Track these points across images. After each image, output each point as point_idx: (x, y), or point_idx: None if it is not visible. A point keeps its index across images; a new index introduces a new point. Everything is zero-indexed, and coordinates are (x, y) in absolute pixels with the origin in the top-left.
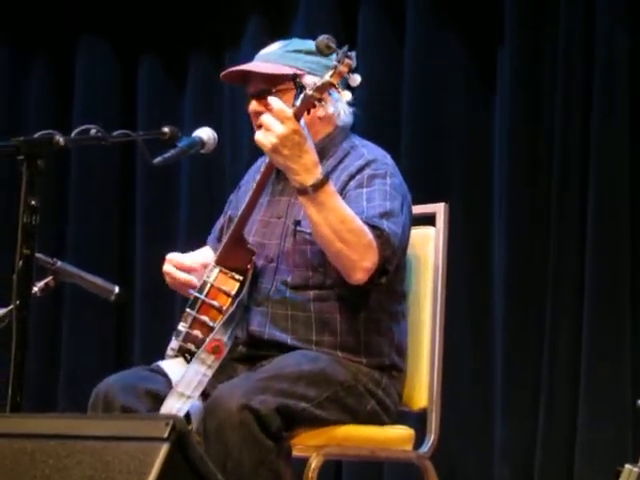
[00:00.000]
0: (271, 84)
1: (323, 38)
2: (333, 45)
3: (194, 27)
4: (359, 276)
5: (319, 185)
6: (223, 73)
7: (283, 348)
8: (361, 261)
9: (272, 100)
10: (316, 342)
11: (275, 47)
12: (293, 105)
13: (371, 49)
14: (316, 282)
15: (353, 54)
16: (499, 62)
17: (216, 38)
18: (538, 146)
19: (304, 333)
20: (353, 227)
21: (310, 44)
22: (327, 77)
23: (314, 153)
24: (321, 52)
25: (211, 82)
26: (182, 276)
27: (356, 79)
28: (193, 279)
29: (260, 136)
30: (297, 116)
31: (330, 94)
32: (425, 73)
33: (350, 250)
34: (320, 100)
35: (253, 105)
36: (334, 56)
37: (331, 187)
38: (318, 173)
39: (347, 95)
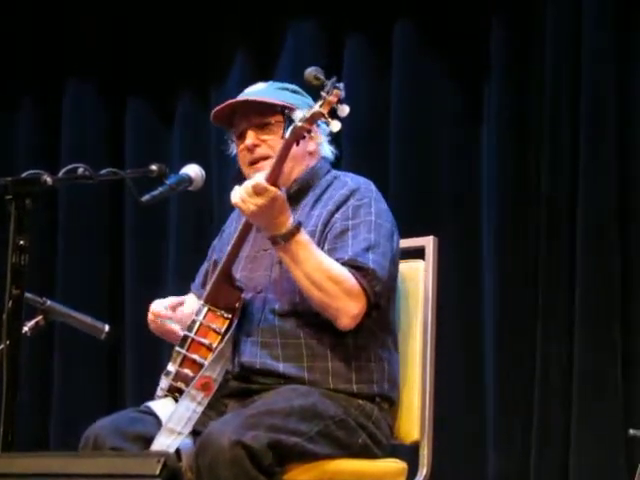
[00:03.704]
0: (267, 115)
1: (311, 70)
2: (322, 76)
3: (180, 66)
4: (345, 323)
5: (289, 235)
6: (217, 109)
7: (275, 377)
8: (345, 308)
9: (254, 178)
10: (308, 368)
11: (261, 86)
12: (282, 137)
13: (357, 82)
14: (305, 308)
15: (342, 85)
16: (486, 93)
17: (202, 76)
18: (527, 177)
19: (295, 360)
20: (331, 275)
21: (293, 86)
22: (316, 107)
23: (288, 210)
24: (310, 83)
25: (198, 120)
26: (167, 326)
27: (345, 109)
28: (175, 327)
29: (239, 202)
30: (287, 147)
31: (318, 125)
32: (412, 105)
33: (330, 299)
34: (309, 131)
35: (250, 138)
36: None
37: (303, 237)
38: (289, 225)
39: (336, 125)
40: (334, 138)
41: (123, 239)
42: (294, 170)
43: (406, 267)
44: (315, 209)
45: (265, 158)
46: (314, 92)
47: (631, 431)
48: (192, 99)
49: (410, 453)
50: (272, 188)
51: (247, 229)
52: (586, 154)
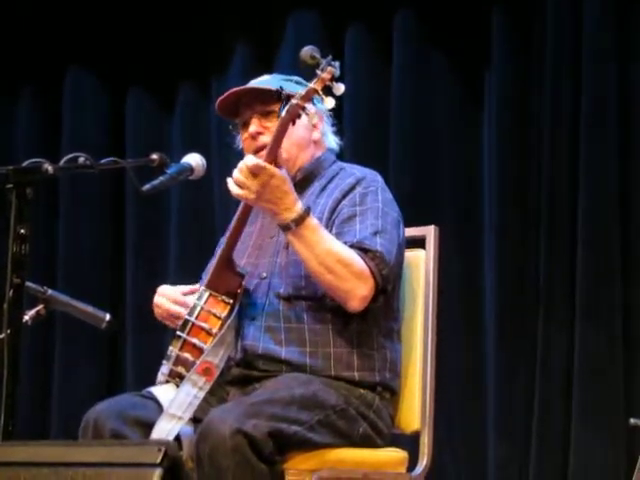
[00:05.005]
0: (270, 103)
1: (307, 49)
2: (317, 55)
3: (180, 55)
4: (355, 305)
5: (300, 220)
6: (221, 98)
7: (277, 363)
8: (354, 290)
9: (245, 159)
10: (310, 353)
11: (266, 77)
12: (278, 116)
13: (358, 72)
14: (309, 292)
15: (337, 63)
16: (486, 83)
17: (203, 67)
18: (527, 166)
19: (298, 344)
20: (341, 257)
21: (297, 78)
22: (311, 84)
23: (293, 192)
24: (305, 62)
25: (199, 111)
26: (173, 308)
27: (340, 88)
28: (182, 311)
29: (238, 190)
30: (283, 125)
31: (314, 104)
32: (413, 96)
33: (340, 281)
34: (304, 108)
35: (254, 125)
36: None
37: (313, 221)
38: (299, 209)
39: (330, 102)
40: (338, 130)
41: (124, 228)
42: (299, 157)
43: (407, 256)
44: (321, 197)
45: None
46: (310, 72)
47: (632, 420)
48: (193, 88)
49: (411, 443)
50: (268, 165)
51: (245, 214)
52: (586, 152)
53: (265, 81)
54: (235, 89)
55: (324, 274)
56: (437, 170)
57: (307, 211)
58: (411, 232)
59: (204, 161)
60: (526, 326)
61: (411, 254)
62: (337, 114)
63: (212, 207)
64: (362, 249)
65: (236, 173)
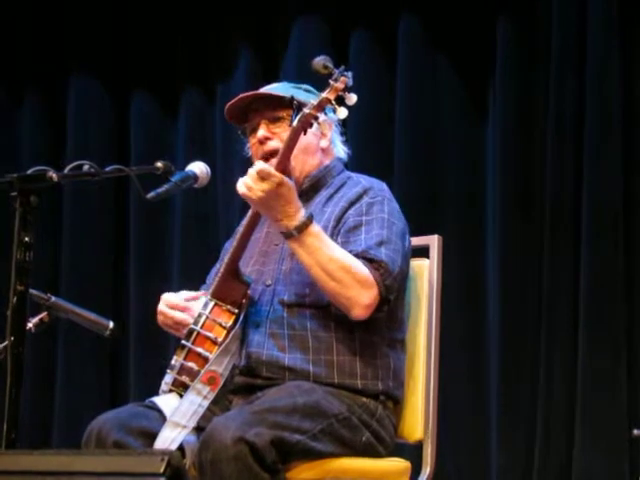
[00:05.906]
0: (279, 109)
1: (320, 59)
2: (330, 65)
3: (185, 63)
4: (358, 313)
5: (303, 227)
6: (230, 103)
7: (280, 369)
8: (358, 297)
9: (256, 165)
10: (313, 360)
11: (276, 84)
12: (290, 125)
13: (362, 82)
14: (313, 300)
15: (349, 73)
16: (491, 87)
17: (207, 73)
18: (531, 177)
19: (301, 351)
20: (344, 265)
21: (307, 86)
22: (324, 94)
23: (297, 201)
24: (318, 72)
25: (203, 117)
26: (178, 315)
27: (352, 98)
28: (188, 318)
29: (245, 190)
30: (295, 134)
31: (326, 113)
32: (417, 102)
33: (344, 288)
34: (316, 118)
35: (262, 130)
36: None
37: (315, 228)
38: (301, 216)
39: (343, 112)
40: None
41: (128, 235)
42: (306, 164)
43: (411, 265)
44: (328, 206)
45: (277, 152)
46: (322, 81)
47: (635, 431)
48: (197, 94)
49: (415, 451)
50: (277, 173)
51: (253, 222)
52: (591, 154)
53: (275, 88)
54: (245, 94)
55: (327, 281)
56: (441, 176)
57: (310, 218)
58: (415, 241)
59: (208, 169)
60: (529, 334)
61: (415, 263)
62: (342, 120)
63: (216, 213)
64: (367, 259)
65: (246, 177)
